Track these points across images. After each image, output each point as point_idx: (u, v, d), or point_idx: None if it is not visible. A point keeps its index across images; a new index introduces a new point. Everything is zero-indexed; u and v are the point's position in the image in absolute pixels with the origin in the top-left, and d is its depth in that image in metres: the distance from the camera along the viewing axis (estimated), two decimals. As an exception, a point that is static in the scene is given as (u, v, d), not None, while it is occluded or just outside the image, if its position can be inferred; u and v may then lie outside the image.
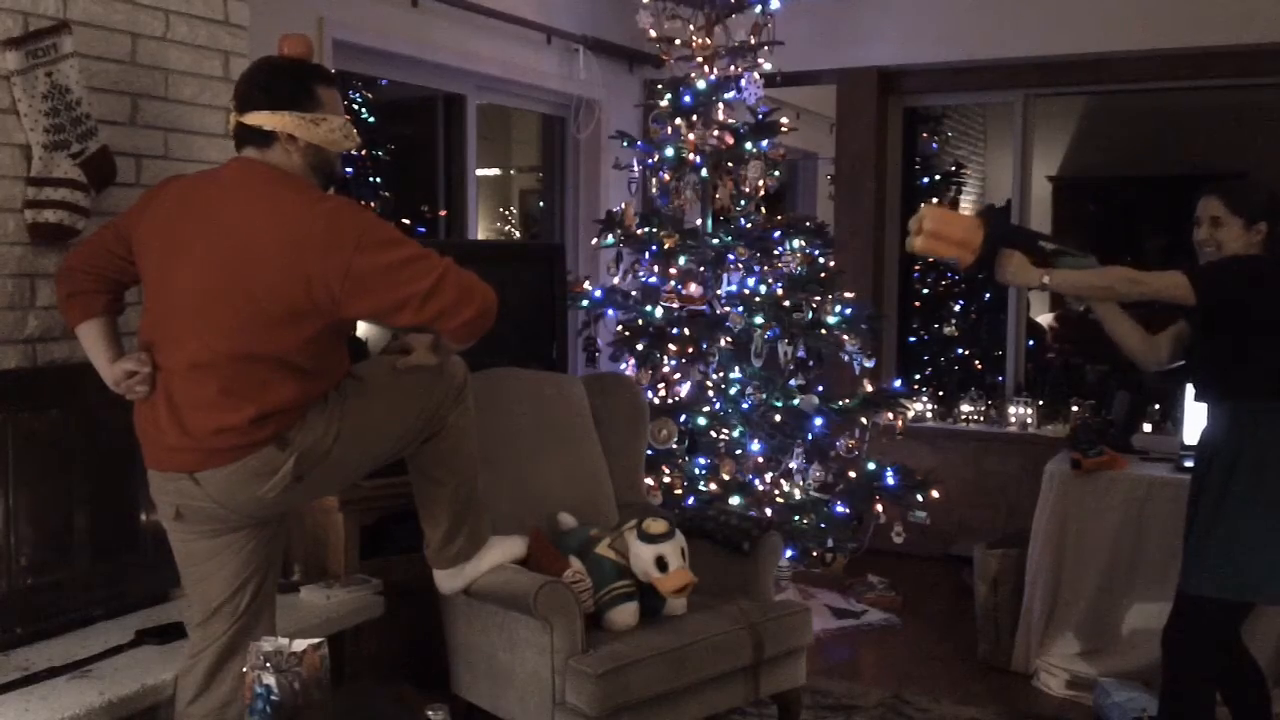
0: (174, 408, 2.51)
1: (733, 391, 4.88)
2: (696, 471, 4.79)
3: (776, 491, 4.86)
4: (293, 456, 2.51)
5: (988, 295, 7.37)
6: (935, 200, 7.51)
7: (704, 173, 4.97)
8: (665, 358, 4.84)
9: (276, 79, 2.57)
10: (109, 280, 2.68)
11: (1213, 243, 3.11)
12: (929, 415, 6.07)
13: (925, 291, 7.57)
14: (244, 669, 2.26)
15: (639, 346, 4.87)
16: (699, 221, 5.02)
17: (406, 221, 5.61)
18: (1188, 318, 3.18)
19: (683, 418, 4.77)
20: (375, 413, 2.68)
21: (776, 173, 5.07)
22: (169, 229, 2.55)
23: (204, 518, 2.58)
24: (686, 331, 4.81)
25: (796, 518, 4.76)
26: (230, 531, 2.61)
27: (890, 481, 4.94)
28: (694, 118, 4.94)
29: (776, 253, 4.95)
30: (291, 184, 2.52)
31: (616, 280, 5.07)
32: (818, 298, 4.89)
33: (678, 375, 4.91)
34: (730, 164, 4.97)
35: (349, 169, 5.45)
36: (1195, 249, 3.18)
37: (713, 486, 4.72)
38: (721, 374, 4.88)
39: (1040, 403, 5.82)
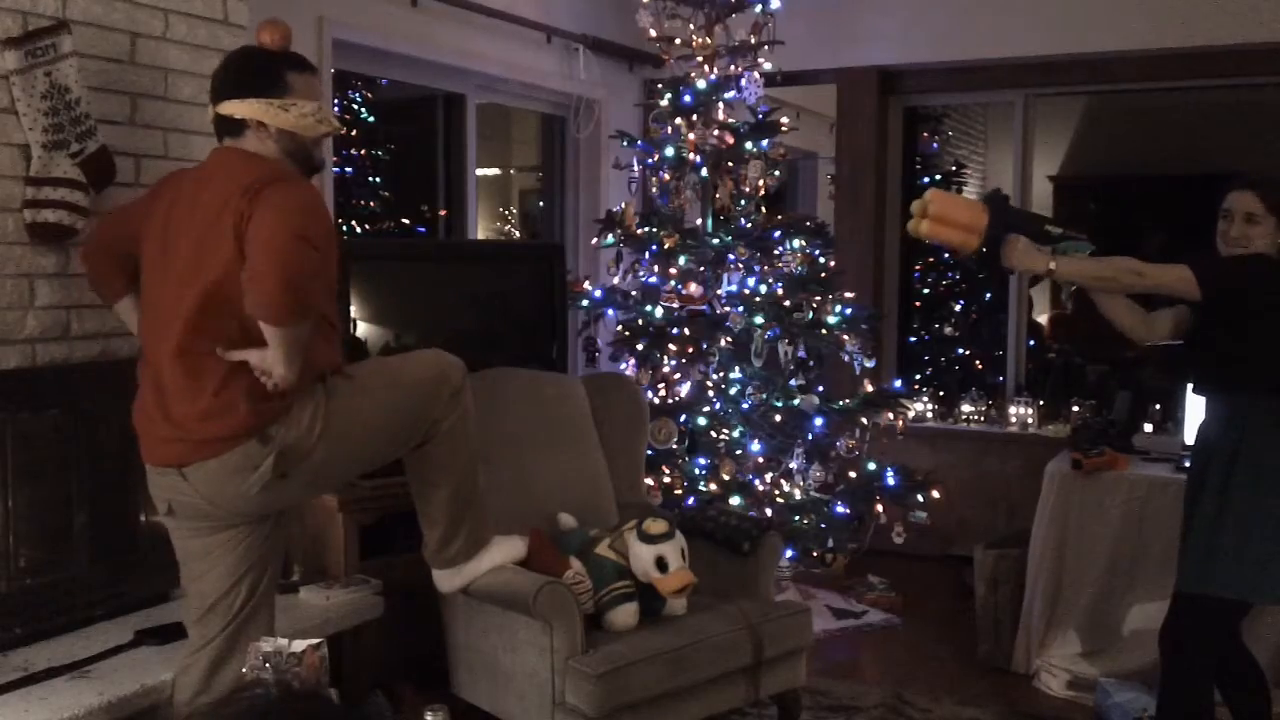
0: (161, 397, 2.55)
1: (733, 391, 4.87)
2: (696, 471, 4.78)
3: (776, 491, 4.85)
4: (274, 453, 2.52)
5: (988, 295, 7.36)
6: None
7: (704, 172, 4.96)
8: (665, 358, 4.84)
9: (243, 67, 2.60)
10: (125, 257, 2.73)
11: (1244, 239, 3.06)
12: (929, 415, 6.06)
13: (925, 291, 7.56)
14: (243, 669, 2.26)
15: (639, 346, 4.86)
16: (699, 221, 5.02)
17: (406, 221, 5.61)
18: (1190, 308, 3.17)
19: (683, 418, 4.76)
20: (363, 414, 2.68)
21: (776, 172, 5.06)
22: (162, 226, 2.61)
23: (194, 514, 2.61)
24: (686, 331, 4.80)
25: (796, 518, 4.76)
26: (224, 529, 2.63)
27: (890, 482, 4.93)
28: (694, 117, 4.93)
29: (776, 253, 4.94)
30: (259, 163, 2.54)
31: (616, 280, 5.06)
32: (818, 298, 4.88)
33: (678, 375, 4.90)
34: (730, 164, 4.96)
35: (349, 169, 5.45)
36: (1219, 243, 3.11)
37: (713, 486, 4.72)
38: (721, 374, 4.87)
39: (1041, 403, 5.81)
